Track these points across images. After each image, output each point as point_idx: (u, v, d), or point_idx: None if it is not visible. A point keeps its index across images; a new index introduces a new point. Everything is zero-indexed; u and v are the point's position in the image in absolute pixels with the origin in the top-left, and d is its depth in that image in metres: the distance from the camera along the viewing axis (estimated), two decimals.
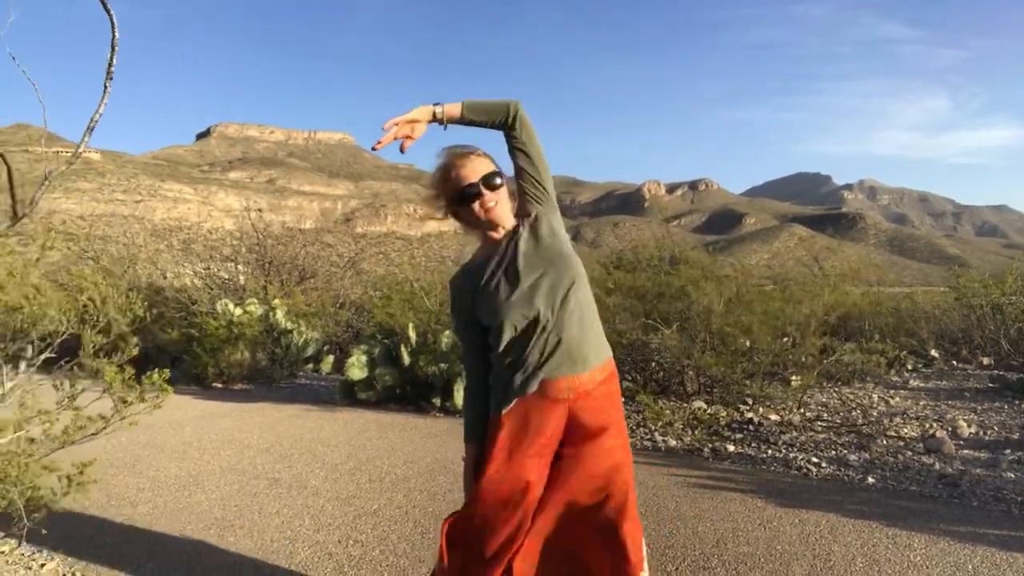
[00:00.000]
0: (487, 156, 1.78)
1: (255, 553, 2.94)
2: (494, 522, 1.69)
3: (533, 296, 1.68)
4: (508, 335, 1.68)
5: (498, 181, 1.74)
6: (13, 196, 2.21)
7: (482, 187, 1.71)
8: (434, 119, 1.73)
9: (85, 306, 2.69)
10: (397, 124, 1.69)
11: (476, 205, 1.73)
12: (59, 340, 2.61)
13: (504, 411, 1.71)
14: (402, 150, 1.74)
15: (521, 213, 1.80)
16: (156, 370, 2.74)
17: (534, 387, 1.69)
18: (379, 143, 1.69)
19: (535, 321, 1.68)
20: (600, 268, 7.32)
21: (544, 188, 1.79)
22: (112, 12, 2.04)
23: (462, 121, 1.75)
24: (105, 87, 2.18)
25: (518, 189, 1.80)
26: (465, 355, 1.85)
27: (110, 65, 2.13)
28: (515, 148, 1.77)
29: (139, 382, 2.70)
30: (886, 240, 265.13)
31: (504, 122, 1.75)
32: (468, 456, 1.81)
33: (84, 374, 2.60)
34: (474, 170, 1.73)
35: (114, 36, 2.09)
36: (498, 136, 1.81)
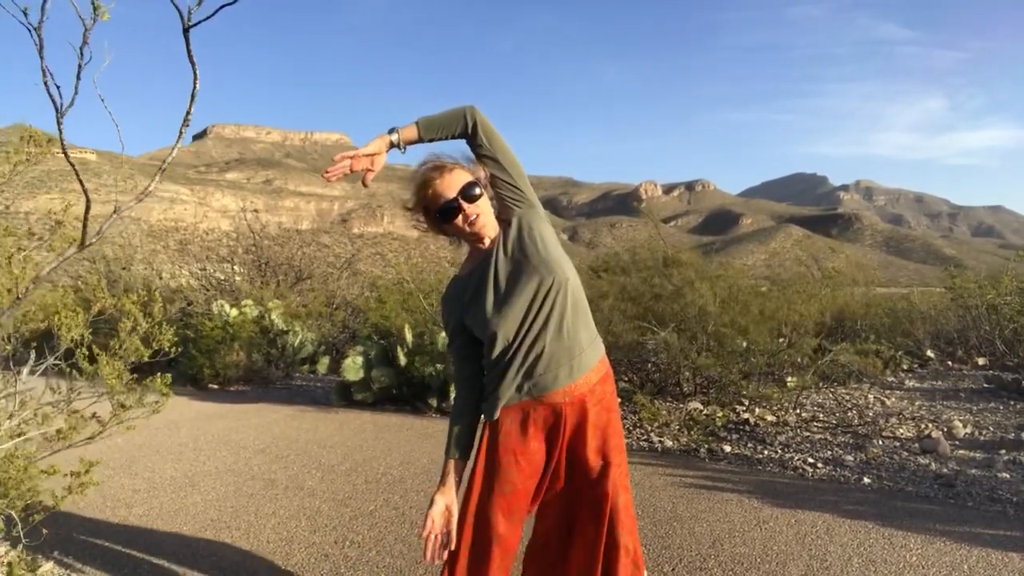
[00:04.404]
0: (463, 165, 1.74)
1: (251, 555, 2.93)
2: (490, 510, 1.69)
3: (521, 304, 1.65)
4: (500, 345, 1.66)
5: (477, 191, 1.69)
6: (85, 226, 2.30)
7: (461, 201, 1.68)
8: (392, 146, 1.69)
9: (100, 313, 2.69)
10: (352, 157, 1.65)
11: (459, 220, 1.69)
12: (65, 348, 2.60)
13: (497, 418, 1.71)
14: (365, 184, 1.70)
15: (502, 218, 1.77)
16: (159, 375, 2.73)
17: (527, 395, 1.69)
18: (329, 173, 1.65)
19: (525, 329, 1.66)
20: (591, 271, 7.32)
21: (520, 190, 1.74)
22: (196, 65, 2.10)
23: (421, 141, 1.70)
24: (180, 132, 2.26)
25: (496, 195, 1.76)
26: (456, 367, 1.81)
27: (188, 113, 2.20)
28: (482, 156, 1.72)
29: (139, 383, 2.69)
30: (882, 241, 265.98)
31: (464, 132, 1.70)
32: (446, 470, 1.73)
33: (82, 377, 2.59)
34: (451, 184, 1.69)
35: (195, 86, 2.15)
36: None
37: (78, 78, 2.03)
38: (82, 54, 2.01)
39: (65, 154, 2.18)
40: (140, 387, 2.64)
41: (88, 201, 2.28)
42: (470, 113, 1.70)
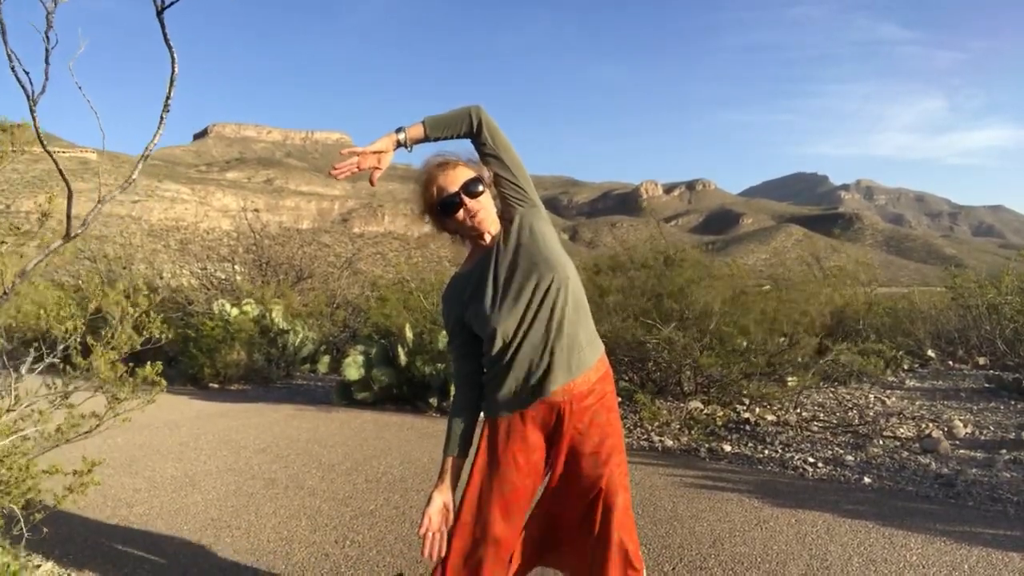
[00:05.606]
0: (468, 162, 1.75)
1: (251, 554, 2.93)
2: (486, 511, 1.69)
3: (521, 302, 1.66)
4: (500, 342, 1.66)
5: (479, 188, 1.71)
6: (69, 217, 2.29)
7: (463, 196, 1.69)
8: (399, 145, 1.71)
9: (98, 310, 2.68)
10: (359, 154, 1.67)
11: (460, 214, 1.70)
12: (63, 347, 2.60)
13: (497, 416, 1.71)
14: (372, 183, 1.72)
15: (505, 217, 1.77)
16: (149, 363, 2.72)
17: (527, 394, 1.69)
18: (337, 170, 1.66)
19: (525, 327, 1.66)
20: (591, 271, 7.32)
21: (523, 190, 1.76)
22: (173, 48, 2.09)
23: (427, 140, 1.72)
24: (161, 118, 2.25)
25: (499, 194, 1.77)
26: (456, 365, 1.82)
27: (167, 98, 2.20)
28: (486, 155, 1.73)
29: (132, 375, 2.68)
30: (883, 240, 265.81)
31: (469, 131, 1.72)
32: (444, 468, 1.73)
33: (77, 372, 2.58)
34: (454, 179, 1.70)
35: (173, 71, 2.15)
36: None
37: (47, 63, 2.03)
38: (47, 38, 2.00)
39: (40, 140, 2.15)
40: (133, 379, 2.64)
41: (70, 191, 2.25)
42: (475, 113, 1.72)
